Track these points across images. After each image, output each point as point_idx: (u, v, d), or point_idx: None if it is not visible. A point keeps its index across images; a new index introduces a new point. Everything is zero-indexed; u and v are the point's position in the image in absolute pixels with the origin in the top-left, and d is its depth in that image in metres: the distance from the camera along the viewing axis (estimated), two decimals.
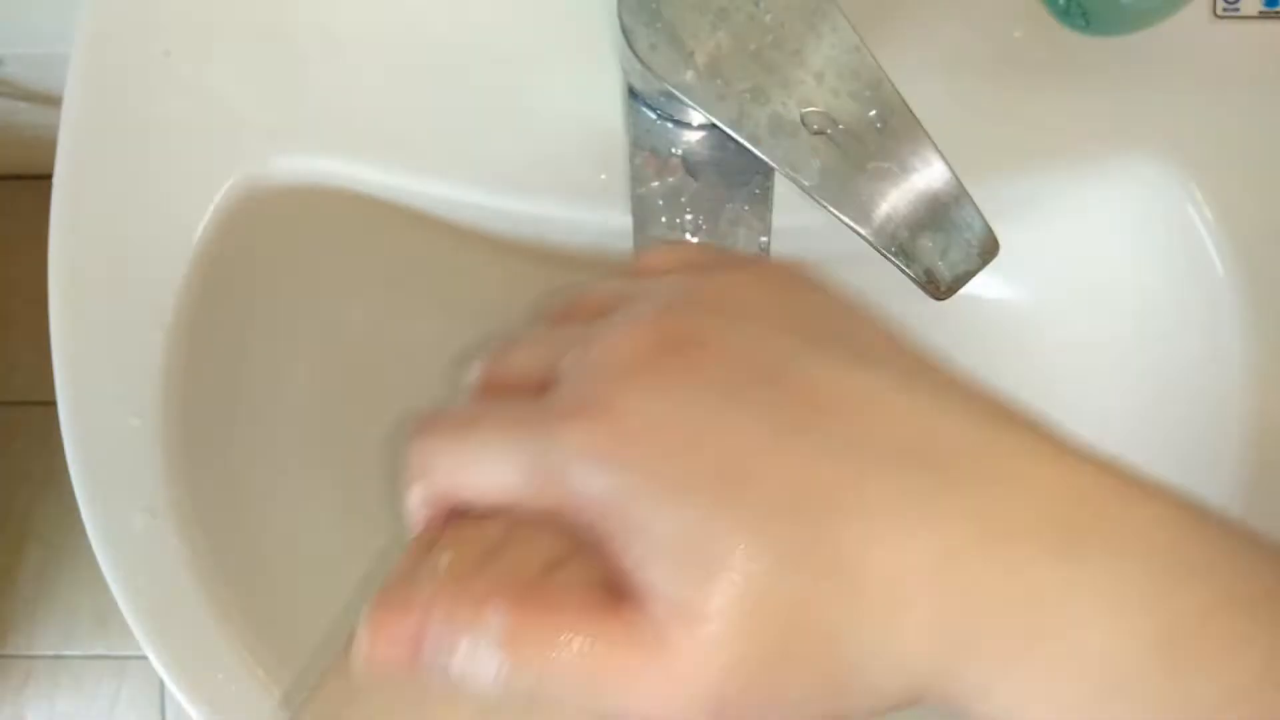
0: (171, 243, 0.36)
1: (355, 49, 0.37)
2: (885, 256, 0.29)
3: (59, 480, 0.36)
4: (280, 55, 0.37)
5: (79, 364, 0.36)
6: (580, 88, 0.37)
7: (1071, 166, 0.38)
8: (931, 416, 0.21)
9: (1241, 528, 0.21)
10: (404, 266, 0.42)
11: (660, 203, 0.36)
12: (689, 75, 0.29)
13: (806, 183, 0.29)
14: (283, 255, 0.39)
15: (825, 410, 0.21)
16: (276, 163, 0.37)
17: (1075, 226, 0.40)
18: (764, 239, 0.36)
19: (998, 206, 0.30)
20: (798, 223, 0.37)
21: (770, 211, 0.36)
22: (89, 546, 0.35)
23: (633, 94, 0.36)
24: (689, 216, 0.36)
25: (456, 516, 0.23)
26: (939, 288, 0.29)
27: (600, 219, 0.37)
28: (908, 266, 0.29)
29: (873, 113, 0.29)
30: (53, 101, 0.53)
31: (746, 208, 0.36)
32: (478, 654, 0.20)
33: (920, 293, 0.29)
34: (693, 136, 0.36)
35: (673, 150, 0.36)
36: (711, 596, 0.19)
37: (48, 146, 0.37)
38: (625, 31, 0.29)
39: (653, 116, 0.36)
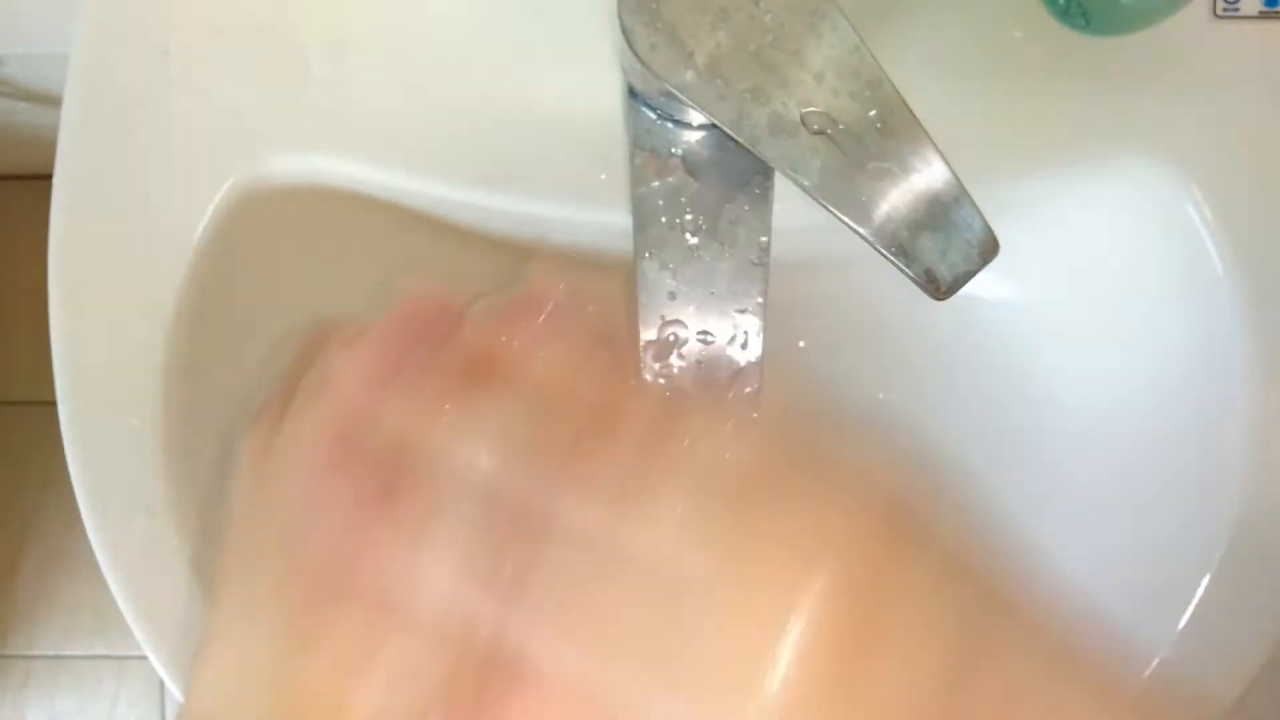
0: (171, 243, 0.36)
1: (355, 49, 0.37)
2: (885, 256, 0.29)
3: (59, 480, 0.36)
4: (280, 55, 0.37)
5: (79, 364, 0.36)
6: (580, 88, 0.37)
7: (1071, 166, 0.38)
8: None
9: None
10: (404, 266, 0.42)
11: (660, 203, 0.36)
12: (689, 75, 0.29)
13: (806, 183, 0.29)
14: (283, 255, 0.39)
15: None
16: (276, 163, 0.37)
17: (1075, 226, 0.40)
18: (764, 239, 0.36)
19: (998, 206, 0.30)
20: (798, 223, 0.37)
21: (770, 211, 0.36)
22: (89, 546, 0.35)
23: (633, 94, 0.36)
24: (689, 216, 0.36)
25: None
26: (939, 288, 0.29)
27: (600, 219, 0.37)
28: (908, 266, 0.29)
29: (873, 113, 0.29)
30: (53, 101, 0.53)
31: (746, 208, 0.36)
32: None
33: (920, 293, 0.29)
34: (693, 136, 0.36)
35: (673, 150, 0.36)
36: None
37: (48, 146, 0.37)
38: (625, 31, 0.29)
39: (653, 116, 0.36)
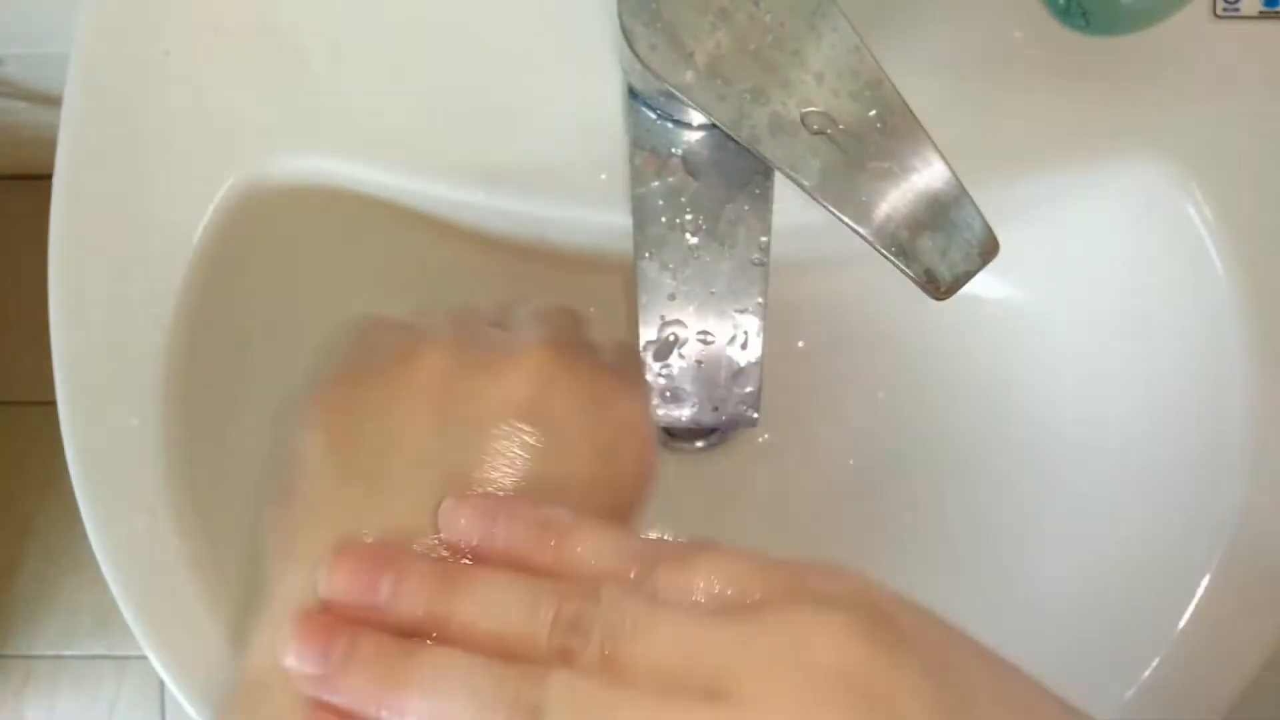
0: (171, 242, 0.36)
1: (355, 49, 0.37)
2: (885, 256, 0.29)
3: (59, 480, 0.36)
4: (280, 55, 0.37)
5: (79, 364, 0.36)
6: (580, 88, 0.37)
7: (1071, 166, 0.38)
8: None
9: None
10: (404, 266, 0.42)
11: (660, 203, 0.36)
12: (689, 75, 0.29)
13: (806, 183, 0.29)
14: (283, 255, 0.39)
15: None
16: (276, 163, 0.37)
17: (1075, 226, 0.40)
18: (764, 239, 0.36)
19: (998, 206, 0.30)
20: (798, 223, 0.37)
21: (770, 211, 0.36)
22: (89, 546, 0.35)
23: (633, 94, 0.36)
24: (689, 216, 0.36)
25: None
26: (939, 288, 0.29)
27: (600, 219, 0.37)
28: (908, 266, 0.29)
29: (873, 113, 0.29)
30: (53, 101, 0.53)
31: (746, 208, 0.36)
32: None
33: (920, 293, 0.29)
34: (693, 136, 0.36)
35: (673, 150, 0.36)
36: None
37: (48, 146, 0.37)
38: (625, 31, 0.29)
39: (653, 116, 0.36)
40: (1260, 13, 0.37)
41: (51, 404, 0.36)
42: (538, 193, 0.37)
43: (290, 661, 0.23)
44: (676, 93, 0.29)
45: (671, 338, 0.37)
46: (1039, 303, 0.43)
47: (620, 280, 0.43)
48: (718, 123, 0.29)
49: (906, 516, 0.44)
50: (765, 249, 0.36)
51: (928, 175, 0.29)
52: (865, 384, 0.45)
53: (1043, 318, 0.43)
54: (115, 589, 0.36)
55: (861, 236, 0.29)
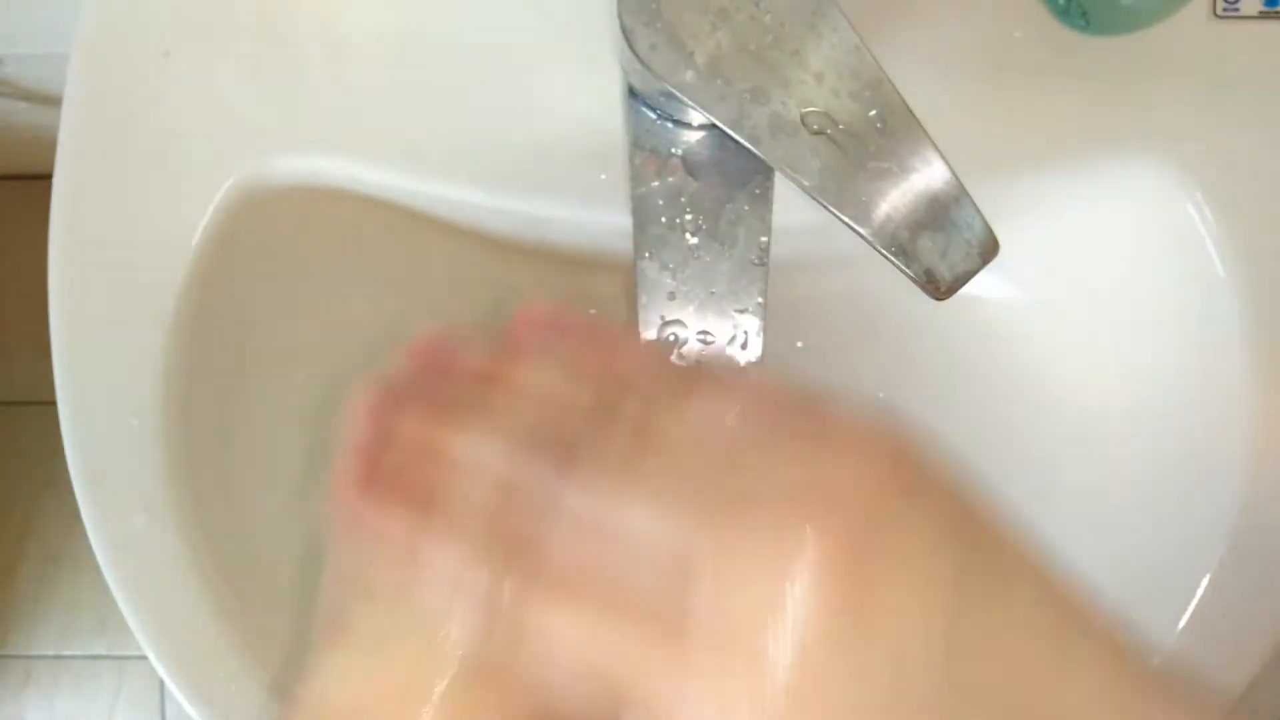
0: (171, 242, 0.36)
1: (355, 49, 0.37)
2: (885, 256, 0.29)
3: (59, 480, 0.36)
4: (280, 55, 0.37)
5: (79, 364, 0.36)
6: (580, 88, 0.37)
7: (1071, 166, 0.38)
8: None
9: None
10: (404, 266, 0.42)
11: (660, 203, 0.36)
12: (689, 75, 0.29)
13: (806, 183, 0.29)
14: (283, 255, 0.39)
15: None
16: (276, 163, 0.37)
17: (1075, 226, 0.40)
18: (764, 239, 0.36)
19: (997, 206, 0.30)
20: (798, 223, 0.37)
21: (770, 211, 0.36)
22: (89, 546, 0.35)
23: (633, 94, 0.36)
24: (689, 216, 0.36)
25: None
26: (939, 288, 0.29)
27: (600, 219, 0.37)
28: (908, 266, 0.29)
29: (873, 113, 0.29)
30: (53, 101, 0.53)
31: (746, 208, 0.36)
32: None
33: (920, 293, 0.29)
34: (693, 136, 0.36)
35: (673, 150, 0.36)
36: None
37: (48, 146, 0.37)
38: (625, 31, 0.29)
39: (653, 116, 0.36)
40: (1260, 13, 0.37)
41: (51, 404, 0.36)
42: (538, 193, 0.37)
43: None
44: (676, 93, 0.29)
45: (671, 338, 0.37)
46: (1039, 302, 0.43)
47: (620, 280, 0.43)
48: (718, 123, 0.29)
49: None
50: (765, 249, 0.36)
51: (928, 175, 0.29)
52: (865, 384, 0.45)
53: (1043, 317, 0.43)
54: (115, 589, 0.36)
55: (861, 236, 0.29)
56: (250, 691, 0.35)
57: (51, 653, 1.06)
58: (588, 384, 0.24)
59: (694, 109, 0.29)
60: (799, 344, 0.45)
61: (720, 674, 0.19)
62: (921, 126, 0.29)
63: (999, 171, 0.37)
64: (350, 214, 0.39)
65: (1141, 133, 0.37)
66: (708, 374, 0.24)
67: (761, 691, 0.19)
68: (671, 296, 0.37)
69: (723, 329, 0.37)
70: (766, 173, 0.36)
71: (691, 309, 0.37)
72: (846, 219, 0.29)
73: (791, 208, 0.36)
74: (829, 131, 0.29)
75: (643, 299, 0.37)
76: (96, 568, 0.35)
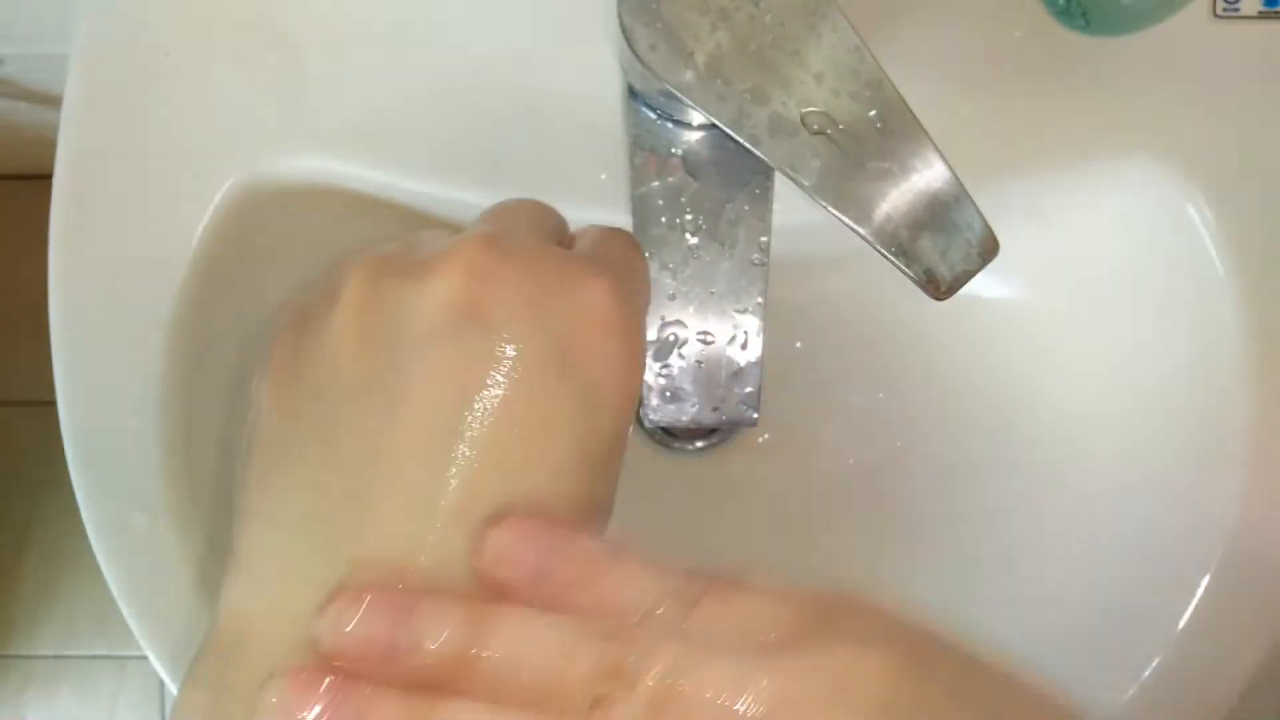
0: (171, 242, 0.36)
1: (355, 49, 0.37)
2: (885, 256, 0.29)
3: (59, 480, 0.36)
4: (280, 55, 0.37)
5: (79, 364, 0.36)
6: (580, 88, 0.37)
7: (1071, 166, 0.38)
8: None
9: None
10: None
11: (660, 203, 0.36)
12: (689, 75, 0.29)
13: (806, 183, 0.29)
14: (283, 255, 0.39)
15: None
16: (276, 163, 0.37)
17: (1075, 226, 0.40)
18: (764, 239, 0.37)
19: (998, 206, 0.30)
20: (798, 223, 0.37)
21: (770, 211, 0.36)
22: (89, 546, 0.35)
23: (633, 94, 0.36)
24: (689, 216, 0.36)
25: None
26: (939, 288, 0.29)
27: (600, 219, 0.37)
28: (908, 266, 0.29)
29: (873, 113, 0.29)
30: (53, 101, 0.53)
31: (746, 208, 0.36)
32: None
33: (920, 293, 0.29)
34: (693, 136, 0.36)
35: (673, 150, 0.36)
36: None
37: (48, 146, 0.37)
38: (625, 31, 0.29)
39: (653, 116, 0.36)
40: (1260, 13, 0.37)
41: (51, 404, 0.36)
42: (538, 192, 0.37)
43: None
44: (676, 93, 0.29)
45: (671, 338, 0.37)
46: (1039, 303, 0.43)
47: None
48: (718, 123, 0.29)
49: (906, 517, 0.44)
50: (765, 249, 0.37)
51: (928, 175, 0.29)
52: (865, 384, 0.45)
53: (1043, 318, 0.43)
54: (115, 589, 0.36)
55: (861, 236, 0.29)
56: None
57: (52, 653, 1.06)
58: (587, 644, 0.21)
59: (694, 109, 0.29)
60: (799, 344, 0.45)
61: None
62: (921, 126, 0.29)
63: (999, 172, 0.37)
64: (351, 214, 0.39)
65: (1141, 132, 0.37)
66: (705, 586, 0.22)
67: None
68: (671, 296, 0.37)
69: (723, 329, 0.37)
70: (766, 173, 0.36)
71: (691, 309, 0.37)
72: (846, 219, 0.29)
73: (791, 208, 0.36)
74: (829, 131, 0.29)
75: None
76: (96, 568, 0.35)
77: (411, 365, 0.23)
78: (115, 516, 0.36)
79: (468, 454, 0.23)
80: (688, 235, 0.36)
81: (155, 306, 0.36)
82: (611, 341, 0.24)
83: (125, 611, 0.35)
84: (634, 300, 0.26)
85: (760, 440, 0.46)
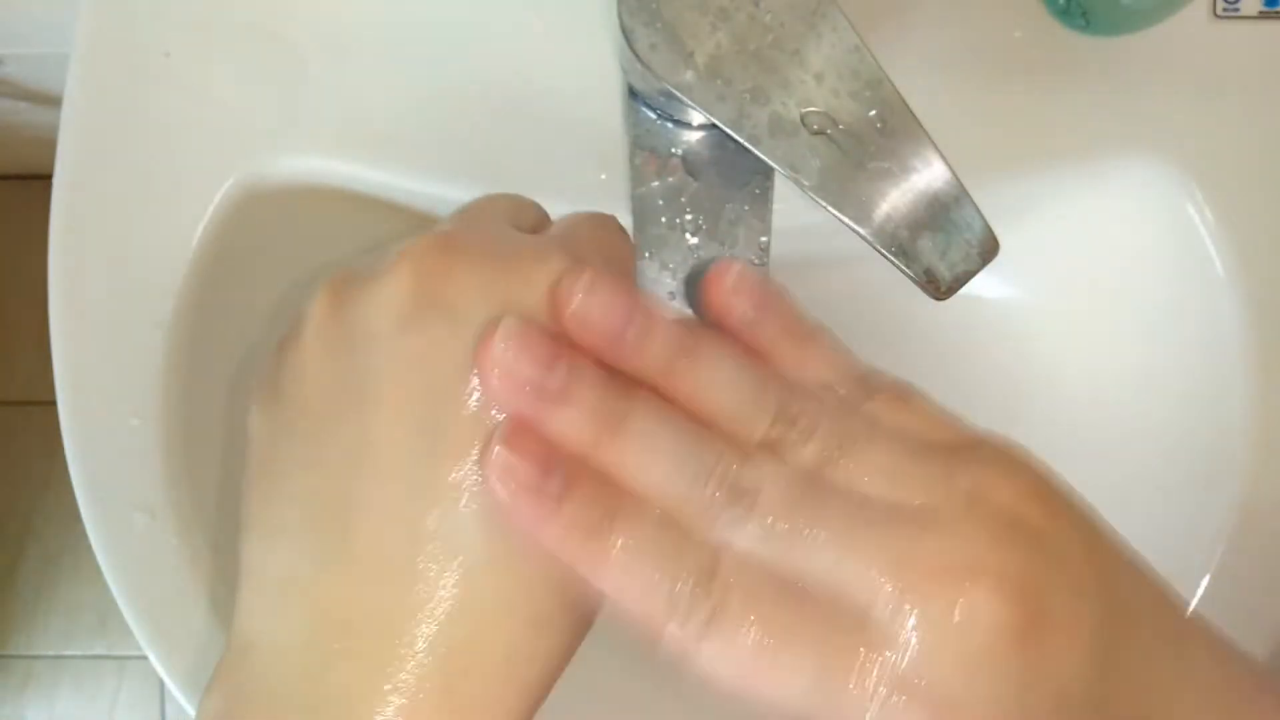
0: (171, 242, 0.36)
1: (355, 49, 0.37)
2: (885, 256, 0.29)
3: (59, 480, 0.36)
4: (280, 55, 0.37)
5: (79, 364, 0.36)
6: (580, 88, 0.37)
7: (1071, 166, 0.38)
8: None
9: None
10: None
11: (660, 203, 0.36)
12: (689, 75, 0.29)
13: (806, 183, 0.29)
14: (283, 255, 0.39)
15: None
16: (276, 163, 0.37)
17: (1075, 226, 0.40)
18: (764, 239, 0.37)
19: (998, 206, 0.30)
20: (798, 223, 0.37)
21: (770, 211, 0.36)
22: (89, 546, 0.35)
23: (633, 94, 0.36)
24: (689, 216, 0.36)
25: None
26: (939, 288, 0.29)
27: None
28: (908, 266, 0.29)
29: (873, 113, 0.29)
30: (53, 101, 0.53)
31: (746, 208, 0.36)
32: None
33: (920, 293, 0.29)
34: (693, 136, 0.36)
35: (673, 150, 0.36)
36: None
37: (48, 146, 0.37)
38: (625, 31, 0.29)
39: (653, 116, 0.36)
40: (1260, 13, 0.37)
41: (51, 404, 0.36)
42: (538, 192, 0.37)
43: (505, 360, 0.22)
44: (676, 93, 0.29)
45: None
46: (1039, 302, 0.43)
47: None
48: (718, 123, 0.29)
49: None
50: (765, 249, 0.37)
51: (928, 175, 0.29)
52: None
53: (1043, 317, 0.43)
54: (115, 589, 0.36)
55: (861, 236, 0.29)
56: None
57: (51, 653, 1.06)
58: (775, 391, 0.23)
59: (694, 109, 0.29)
60: None
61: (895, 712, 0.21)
62: (921, 126, 0.29)
63: (999, 171, 0.37)
64: (350, 214, 0.39)
65: (1142, 132, 0.37)
66: (886, 384, 0.25)
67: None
68: (672, 296, 0.37)
69: None
70: (766, 173, 0.36)
71: (692, 309, 0.37)
72: (846, 219, 0.29)
73: (791, 208, 0.36)
74: (829, 131, 0.29)
75: None
76: (96, 568, 0.35)
77: (377, 366, 0.23)
78: (115, 516, 0.36)
79: (445, 437, 0.23)
80: (688, 235, 0.36)
81: (155, 306, 0.36)
82: None
83: (125, 611, 0.35)
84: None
85: None
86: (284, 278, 0.40)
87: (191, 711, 0.35)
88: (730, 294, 0.25)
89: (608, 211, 0.37)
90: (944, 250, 0.29)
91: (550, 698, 0.23)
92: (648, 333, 0.23)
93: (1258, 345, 0.37)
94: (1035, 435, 0.43)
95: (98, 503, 0.36)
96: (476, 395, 0.23)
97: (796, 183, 0.29)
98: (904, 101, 0.29)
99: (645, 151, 0.36)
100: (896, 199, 0.29)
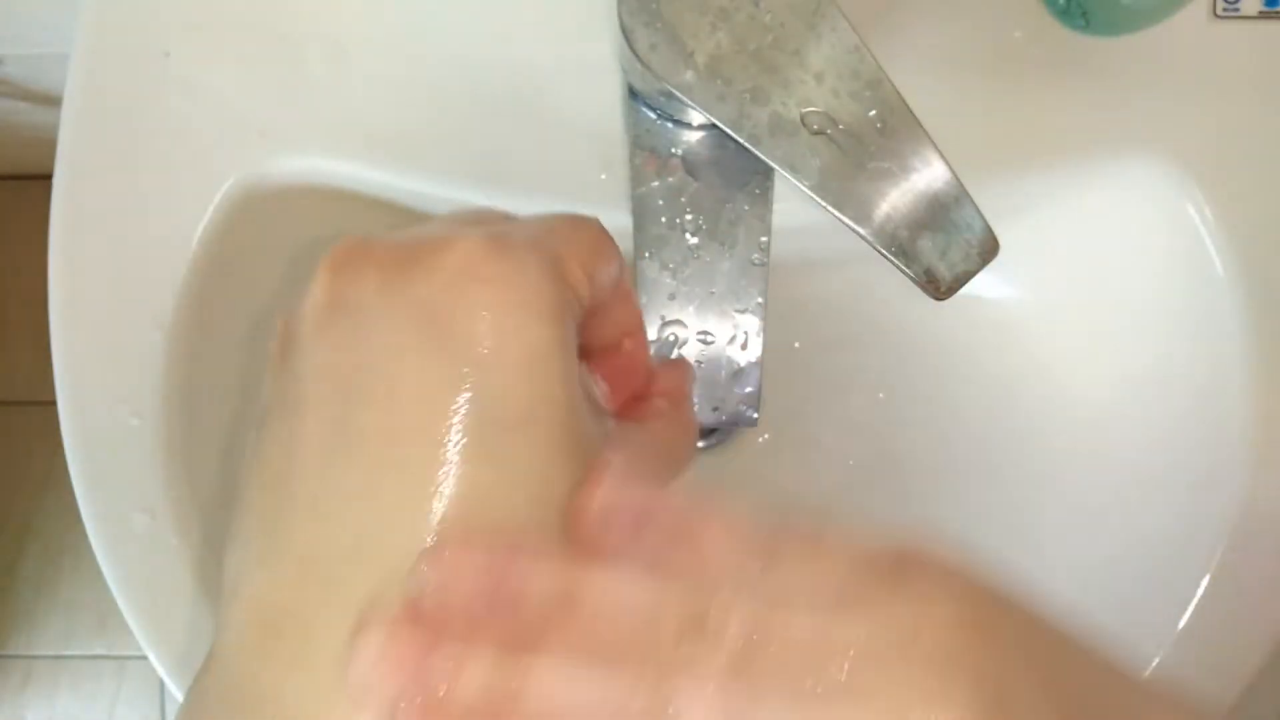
0: (171, 243, 0.36)
1: (355, 49, 0.37)
2: (885, 256, 0.29)
3: (59, 480, 0.36)
4: (280, 55, 0.37)
5: (79, 364, 0.36)
6: (580, 88, 0.37)
7: (1071, 166, 0.38)
8: None
9: None
10: None
11: (660, 203, 0.36)
12: (689, 75, 0.29)
13: (806, 183, 0.29)
14: (283, 255, 0.39)
15: None
16: (276, 163, 0.37)
17: (1075, 226, 0.40)
18: (764, 239, 0.37)
19: (998, 206, 0.30)
20: (798, 223, 0.37)
21: (770, 211, 0.36)
22: (89, 546, 0.35)
23: (633, 94, 0.36)
24: (689, 216, 0.36)
25: None
26: (939, 288, 0.29)
27: (600, 219, 0.37)
28: (908, 266, 0.29)
29: (873, 113, 0.29)
30: (53, 101, 0.53)
31: (746, 208, 0.36)
32: None
33: (920, 293, 0.29)
34: (693, 136, 0.36)
35: (673, 150, 0.36)
36: None
37: (48, 146, 0.37)
38: (625, 31, 0.29)
39: (653, 116, 0.36)
40: (1260, 13, 0.37)
41: (51, 404, 0.36)
42: (538, 193, 0.37)
43: (370, 676, 0.21)
44: (676, 93, 0.29)
45: (671, 338, 0.37)
46: (1039, 302, 0.43)
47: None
48: (718, 123, 0.29)
49: (906, 517, 0.44)
50: (765, 249, 0.37)
51: (928, 175, 0.29)
52: (865, 384, 0.45)
53: (1043, 317, 0.43)
54: (115, 589, 0.36)
55: (861, 236, 0.29)
56: None
57: (51, 653, 1.06)
58: (673, 601, 0.21)
59: (694, 109, 0.29)
60: (798, 344, 0.45)
61: None
62: (921, 126, 0.29)
63: (999, 171, 0.37)
64: (350, 214, 0.39)
65: (1141, 132, 0.37)
66: (788, 542, 0.23)
67: None
68: (671, 296, 0.37)
69: (723, 329, 0.37)
70: (766, 173, 0.36)
71: (691, 309, 0.37)
72: (846, 219, 0.29)
73: (791, 208, 0.36)
74: (829, 131, 0.29)
75: (643, 299, 0.37)
76: (96, 568, 0.35)
77: (304, 372, 0.24)
78: (115, 516, 0.36)
79: (361, 435, 0.23)
80: (688, 235, 0.36)
81: (155, 306, 0.36)
82: (486, 292, 0.23)
83: (125, 611, 0.36)
84: (521, 252, 0.24)
85: (760, 440, 0.46)
86: (284, 278, 0.40)
87: None
88: (599, 531, 0.22)
89: (609, 211, 0.37)
90: (944, 250, 0.29)
91: None
92: (521, 592, 0.21)
93: (1258, 345, 0.37)
94: (1035, 435, 0.43)
95: (98, 502, 0.36)
96: (381, 392, 0.23)
97: (796, 183, 0.29)
98: (904, 101, 0.29)
99: (645, 151, 0.36)
100: (896, 199, 0.29)
